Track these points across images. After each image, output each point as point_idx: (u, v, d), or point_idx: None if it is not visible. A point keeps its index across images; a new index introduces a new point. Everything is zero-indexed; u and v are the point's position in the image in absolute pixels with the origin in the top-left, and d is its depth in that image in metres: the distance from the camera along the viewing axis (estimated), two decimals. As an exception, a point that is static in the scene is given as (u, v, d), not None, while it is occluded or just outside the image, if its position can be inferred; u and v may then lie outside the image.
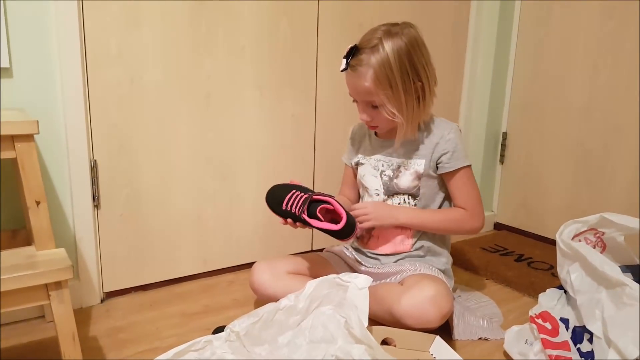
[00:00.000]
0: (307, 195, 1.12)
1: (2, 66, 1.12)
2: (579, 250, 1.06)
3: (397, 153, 1.23)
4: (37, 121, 0.89)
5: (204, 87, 1.42)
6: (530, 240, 1.91)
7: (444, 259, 1.28)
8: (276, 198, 1.17)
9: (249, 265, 1.37)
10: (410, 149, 1.22)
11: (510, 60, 1.97)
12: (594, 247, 1.13)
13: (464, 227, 1.22)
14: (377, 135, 1.28)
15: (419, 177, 1.21)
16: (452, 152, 1.18)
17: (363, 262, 1.29)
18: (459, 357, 0.97)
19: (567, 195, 1.82)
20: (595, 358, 0.94)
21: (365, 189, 1.29)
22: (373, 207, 1.20)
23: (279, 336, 0.94)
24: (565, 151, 1.82)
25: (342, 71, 1.14)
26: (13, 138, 0.88)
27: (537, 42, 1.88)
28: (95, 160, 1.32)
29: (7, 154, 0.89)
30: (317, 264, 1.30)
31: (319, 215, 1.10)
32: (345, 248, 1.35)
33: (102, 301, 1.38)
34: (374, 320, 1.12)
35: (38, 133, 0.89)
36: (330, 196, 1.13)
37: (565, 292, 1.15)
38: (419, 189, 1.22)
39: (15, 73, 1.15)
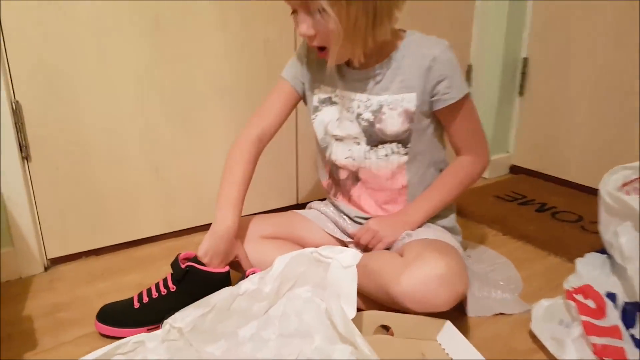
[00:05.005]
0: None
1: None
2: (632, 206, 0.82)
3: (378, 87, 0.93)
4: None
5: (150, 6, 1.13)
6: (553, 186, 1.69)
7: (451, 213, 1.05)
8: (116, 308, 0.93)
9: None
10: (393, 80, 0.92)
11: (534, -31, 1.66)
12: (650, 201, 0.88)
13: (474, 179, 1.02)
14: (350, 65, 0.95)
15: (411, 117, 0.92)
16: (450, 77, 0.90)
17: (349, 228, 1.05)
18: (476, 352, 0.74)
19: (596, 133, 1.58)
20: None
21: (336, 138, 0.99)
22: (377, 225, 0.97)
23: (239, 328, 0.71)
24: (596, 81, 1.55)
25: None
26: None
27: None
28: (17, 102, 1.05)
29: None
30: (299, 224, 1.07)
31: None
32: (328, 206, 1.10)
33: (46, 269, 1.17)
34: (364, 297, 0.90)
35: None
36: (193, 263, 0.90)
37: (609, 257, 0.92)
38: (410, 133, 0.94)
39: None
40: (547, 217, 1.42)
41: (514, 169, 1.85)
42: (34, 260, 1.14)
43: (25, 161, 1.10)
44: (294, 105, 1.05)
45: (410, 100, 0.92)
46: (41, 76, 1.06)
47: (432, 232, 0.95)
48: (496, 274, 1.10)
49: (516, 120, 1.83)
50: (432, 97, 0.92)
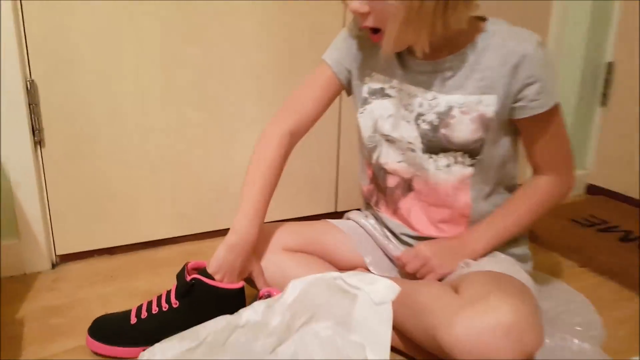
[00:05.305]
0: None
1: None
2: None
3: (449, 84, 0.76)
4: None
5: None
6: (639, 211, 1.46)
7: (524, 239, 0.87)
8: (110, 322, 0.81)
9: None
10: (469, 77, 0.75)
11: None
12: None
13: (553, 205, 0.85)
14: (412, 53, 0.79)
15: (487, 124, 0.75)
16: (542, 81, 0.73)
17: (392, 248, 0.88)
18: None
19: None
20: None
21: (387, 139, 0.82)
22: (429, 250, 0.81)
23: (237, 369, 0.56)
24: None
25: None
26: None
27: None
28: (32, 80, 0.97)
29: None
30: (330, 237, 0.90)
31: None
32: (368, 218, 0.94)
33: (53, 266, 1.08)
34: (402, 334, 0.72)
35: None
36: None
37: None
38: (482, 143, 0.76)
39: None
40: (634, 249, 1.20)
41: (591, 189, 1.64)
42: (41, 255, 1.05)
43: (39, 146, 1.01)
44: (335, 95, 0.89)
45: (488, 104, 0.74)
46: (60, 56, 0.98)
47: (498, 262, 0.77)
48: (571, 316, 0.90)
49: (596, 134, 1.64)
50: (516, 102, 0.74)
